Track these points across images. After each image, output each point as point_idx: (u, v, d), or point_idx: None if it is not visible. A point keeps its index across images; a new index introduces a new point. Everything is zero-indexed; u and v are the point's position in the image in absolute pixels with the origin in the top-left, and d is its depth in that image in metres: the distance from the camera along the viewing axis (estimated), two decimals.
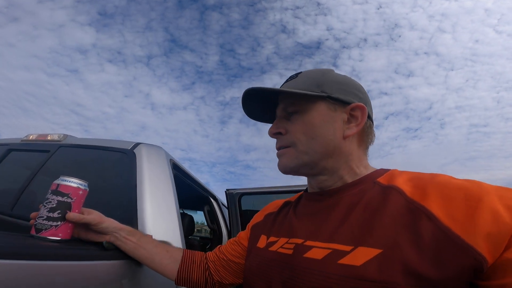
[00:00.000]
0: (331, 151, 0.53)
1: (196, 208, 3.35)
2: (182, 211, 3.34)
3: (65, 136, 1.43)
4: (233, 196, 2.04)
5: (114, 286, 0.74)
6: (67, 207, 0.65)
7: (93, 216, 0.69)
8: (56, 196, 0.65)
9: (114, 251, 0.74)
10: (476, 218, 0.36)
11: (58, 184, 0.66)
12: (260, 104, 0.61)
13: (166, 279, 0.72)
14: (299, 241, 0.51)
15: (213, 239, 2.33)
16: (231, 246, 0.72)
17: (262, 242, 0.61)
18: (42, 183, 1.29)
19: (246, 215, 2.17)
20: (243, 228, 2.05)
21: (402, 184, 0.46)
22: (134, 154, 1.20)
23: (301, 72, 0.57)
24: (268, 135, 0.59)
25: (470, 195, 0.38)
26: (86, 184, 0.70)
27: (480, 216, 0.36)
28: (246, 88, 0.54)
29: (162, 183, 1.18)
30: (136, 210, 0.98)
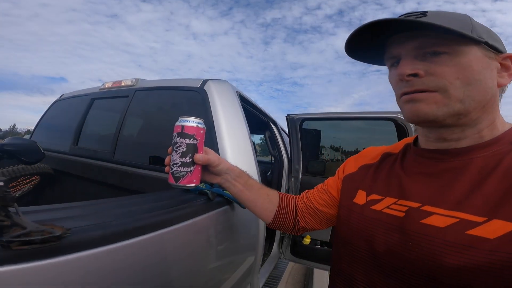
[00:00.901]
0: (489, 99, 0.47)
1: (255, 132, 3.49)
2: None
3: (137, 80, 1.49)
4: (294, 122, 2.02)
5: (218, 231, 0.86)
6: (195, 149, 0.64)
7: (213, 156, 0.68)
8: (184, 139, 0.63)
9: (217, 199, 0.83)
10: None
11: (182, 126, 0.63)
12: (368, 41, 0.52)
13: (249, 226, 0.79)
14: (414, 204, 0.47)
15: (274, 165, 2.41)
16: (319, 195, 0.71)
17: (360, 198, 0.58)
18: (131, 127, 1.43)
19: (307, 141, 2.18)
20: (304, 154, 2.12)
21: None
22: (205, 92, 1.21)
23: (426, 11, 0.47)
24: (393, 77, 0.51)
25: None
26: (203, 122, 0.67)
27: None
28: (371, 20, 0.46)
29: (236, 119, 1.21)
30: (217, 148, 1.05)
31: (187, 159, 0.63)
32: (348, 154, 2.53)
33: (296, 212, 0.73)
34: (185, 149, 0.63)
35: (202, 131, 0.65)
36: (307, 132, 2.16)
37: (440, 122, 0.48)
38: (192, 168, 0.64)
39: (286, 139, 2.46)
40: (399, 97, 0.51)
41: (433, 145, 0.52)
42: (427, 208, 0.45)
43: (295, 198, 0.76)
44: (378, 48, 0.53)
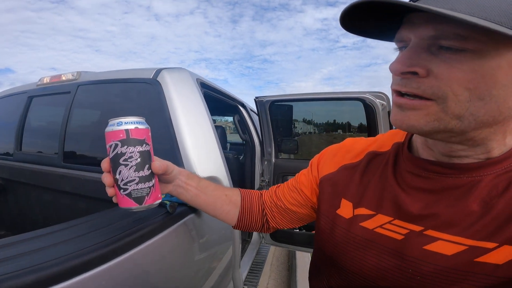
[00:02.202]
0: (500, 121, 0.36)
1: (224, 115, 3.37)
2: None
3: (79, 73, 1.31)
4: (263, 104, 1.95)
5: (185, 243, 0.79)
6: (150, 156, 0.52)
7: (165, 161, 0.57)
8: (134, 146, 0.49)
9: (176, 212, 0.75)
10: None
11: (127, 131, 0.49)
12: (373, 15, 0.38)
13: (219, 223, 0.72)
14: (416, 228, 0.41)
15: (246, 149, 2.36)
16: (289, 193, 0.64)
17: (346, 210, 0.51)
18: (77, 128, 1.27)
19: (280, 117, 2.13)
20: (277, 130, 2.09)
21: None
22: (159, 83, 1.09)
23: None
24: (390, 69, 0.39)
25: None
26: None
27: None
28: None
29: (197, 111, 1.11)
30: (177, 147, 0.95)
31: (146, 172, 0.50)
32: (320, 126, 2.56)
33: (263, 210, 0.67)
34: (139, 159, 0.49)
35: (150, 132, 0.53)
36: (279, 107, 2.10)
37: (426, 136, 0.40)
38: (153, 181, 0.52)
39: (257, 119, 2.40)
40: (393, 92, 0.41)
41: (434, 155, 0.44)
42: (431, 232, 0.40)
43: (261, 195, 0.69)
44: (394, 19, 0.39)
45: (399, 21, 0.39)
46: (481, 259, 0.36)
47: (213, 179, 1.04)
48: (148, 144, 0.52)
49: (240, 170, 2.35)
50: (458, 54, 0.33)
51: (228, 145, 3.65)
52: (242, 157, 2.53)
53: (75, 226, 0.62)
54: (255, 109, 2.08)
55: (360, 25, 0.41)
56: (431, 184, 0.42)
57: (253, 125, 2.32)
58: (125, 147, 0.48)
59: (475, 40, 0.32)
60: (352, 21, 0.39)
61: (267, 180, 2.14)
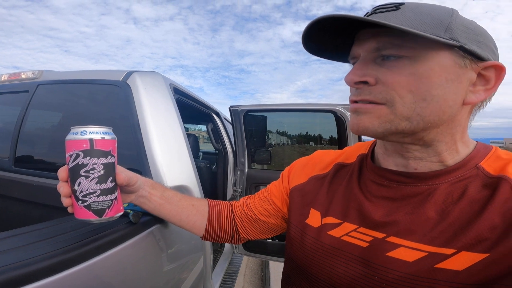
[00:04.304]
0: (444, 120, 0.40)
1: (198, 123, 3.31)
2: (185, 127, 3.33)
3: (41, 72, 1.22)
4: (238, 114, 1.95)
5: (151, 254, 0.74)
6: (114, 168, 0.50)
7: (129, 171, 0.55)
8: (98, 158, 0.47)
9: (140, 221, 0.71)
10: None
11: (91, 140, 0.46)
12: (328, 36, 0.44)
13: (189, 234, 0.69)
14: (379, 235, 0.43)
15: (219, 158, 2.32)
16: (260, 204, 0.64)
17: (314, 219, 0.52)
18: (33, 130, 1.17)
19: (254, 128, 2.13)
20: (251, 140, 2.09)
21: None
22: (129, 86, 1.04)
23: (403, 3, 0.40)
24: (345, 81, 0.43)
25: None
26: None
27: None
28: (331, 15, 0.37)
29: (168, 118, 1.07)
30: (145, 154, 0.91)
31: (109, 184, 0.48)
32: (293, 138, 2.60)
33: (233, 221, 0.66)
34: (102, 172, 0.47)
35: (116, 144, 0.51)
36: (254, 118, 2.12)
37: (381, 138, 0.43)
38: (116, 193, 0.50)
39: (231, 129, 2.39)
40: (350, 104, 0.45)
41: (392, 163, 0.47)
42: (393, 239, 0.41)
43: (231, 205, 0.68)
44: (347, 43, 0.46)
45: (352, 43, 0.45)
46: (441, 265, 0.37)
47: (182, 188, 1.00)
48: (113, 156, 0.49)
49: (212, 180, 2.31)
50: (398, 61, 0.39)
51: (201, 154, 3.59)
52: (214, 166, 2.49)
53: (21, 235, 0.56)
54: (229, 118, 2.06)
55: (320, 48, 0.47)
56: (392, 193, 0.45)
57: (226, 134, 2.30)
58: (88, 158, 0.46)
59: (408, 47, 0.38)
60: (313, 43, 0.46)
61: (239, 190, 2.11)
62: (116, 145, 0.51)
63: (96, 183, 0.47)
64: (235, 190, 2.17)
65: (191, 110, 1.93)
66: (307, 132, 2.60)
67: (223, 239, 0.66)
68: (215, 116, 2.23)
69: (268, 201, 0.64)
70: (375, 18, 0.39)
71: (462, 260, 0.36)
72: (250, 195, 0.70)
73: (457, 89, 0.39)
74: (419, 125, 0.40)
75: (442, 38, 0.36)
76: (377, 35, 0.40)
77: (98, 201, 0.47)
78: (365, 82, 0.41)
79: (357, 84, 0.42)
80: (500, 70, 0.39)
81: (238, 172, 2.13)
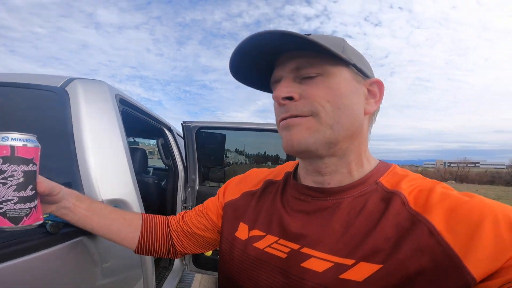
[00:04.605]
0: (357, 128, 0.46)
1: (148, 138, 3.19)
2: (133, 140, 3.16)
3: None
4: (190, 130, 1.92)
5: (71, 270, 0.68)
6: (35, 177, 0.49)
7: (51, 181, 0.54)
8: (18, 165, 0.46)
9: (61, 232, 0.66)
10: (476, 238, 0.35)
11: (12, 147, 0.46)
12: (252, 62, 0.49)
13: (125, 248, 0.67)
14: (295, 246, 0.46)
15: (169, 175, 2.25)
16: (196, 218, 0.66)
17: (242, 232, 0.55)
18: None
19: (212, 146, 2.12)
20: (200, 162, 2.06)
21: (405, 190, 0.43)
22: (67, 93, 0.98)
23: (309, 34, 0.46)
24: (273, 99, 0.48)
25: (473, 213, 0.37)
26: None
27: (481, 237, 0.35)
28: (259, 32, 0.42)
29: (109, 130, 1.02)
30: (77, 166, 0.85)
31: (28, 192, 0.48)
32: (251, 157, 2.63)
33: (169, 235, 0.67)
34: (22, 179, 0.47)
35: (39, 152, 0.51)
36: (212, 136, 2.12)
37: (313, 152, 0.45)
38: (36, 202, 0.50)
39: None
40: (278, 124, 0.49)
41: (311, 181, 0.51)
42: (306, 250, 0.44)
43: (167, 219, 0.69)
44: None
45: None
46: (344, 275, 0.40)
47: (119, 202, 0.95)
48: (35, 164, 0.49)
49: (161, 196, 2.22)
50: (315, 78, 0.45)
51: (151, 169, 3.43)
52: (164, 182, 2.40)
53: None
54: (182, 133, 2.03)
55: (246, 77, 0.53)
56: (307, 206, 0.49)
57: (178, 150, 2.25)
58: (7, 165, 0.46)
59: (320, 65, 0.44)
60: (241, 73, 0.51)
61: (189, 207, 2.06)
62: (39, 153, 0.51)
63: (14, 190, 0.46)
64: (185, 207, 2.11)
65: (141, 123, 1.86)
66: (265, 152, 2.66)
67: (159, 253, 0.67)
68: (166, 131, 2.17)
69: (204, 216, 0.65)
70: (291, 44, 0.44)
71: (361, 271, 0.39)
72: (187, 210, 0.72)
73: (358, 100, 0.46)
74: (340, 133, 0.45)
75: (345, 56, 0.43)
76: (295, 57, 0.46)
77: (15, 209, 0.46)
78: (291, 98, 0.45)
79: (284, 100, 0.46)
80: (381, 85, 0.48)
81: (189, 189, 2.09)
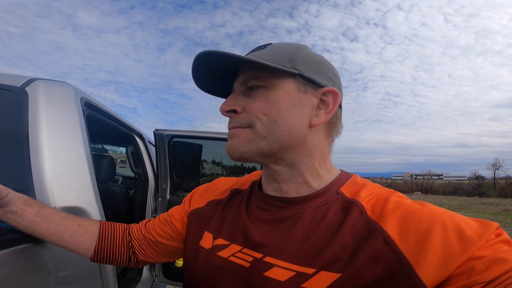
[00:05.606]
0: (294, 140, 0.46)
1: (118, 145, 3.08)
2: (101, 147, 3.03)
3: None
4: (163, 138, 1.88)
5: (13, 279, 0.63)
6: None
7: (1, 186, 0.53)
8: None
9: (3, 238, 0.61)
10: (426, 245, 0.35)
11: None
12: (216, 74, 0.50)
13: (80, 257, 0.63)
14: (258, 255, 0.46)
15: (138, 184, 2.15)
16: (160, 226, 0.64)
17: (206, 241, 0.54)
18: None
19: (188, 156, 2.07)
20: (172, 170, 2.00)
21: (364, 199, 0.44)
22: (26, 94, 0.93)
23: (271, 43, 0.48)
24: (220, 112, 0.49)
25: (423, 220, 0.38)
26: None
27: (431, 244, 0.35)
28: (200, 51, 0.43)
29: (69, 132, 0.97)
30: (30, 172, 0.80)
31: None
32: (228, 169, 2.61)
33: (130, 243, 0.65)
34: None
35: None
36: (188, 146, 2.08)
37: (249, 159, 0.47)
38: None
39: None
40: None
41: (271, 188, 0.51)
42: (269, 259, 0.44)
43: (128, 227, 0.66)
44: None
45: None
46: (305, 284, 0.39)
47: (76, 210, 0.90)
48: None
49: (129, 205, 2.12)
50: (257, 91, 0.46)
51: (121, 178, 3.29)
52: (132, 191, 2.30)
53: None
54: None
55: (209, 86, 0.54)
56: (271, 216, 0.49)
57: (149, 159, 2.18)
58: None
59: (264, 77, 0.45)
60: (204, 81, 0.52)
61: None
62: None
63: None
64: (154, 217, 2.02)
65: (109, 129, 1.79)
66: (242, 164, 2.65)
67: (119, 261, 0.64)
68: (137, 139, 2.10)
69: (168, 224, 0.64)
70: (250, 56, 0.45)
71: (322, 280, 0.39)
72: (150, 218, 0.69)
73: (301, 112, 0.45)
74: (274, 145, 0.45)
75: (284, 67, 0.43)
76: (245, 70, 0.47)
77: None
78: (234, 111, 0.48)
79: (228, 112, 0.48)
80: (335, 95, 0.47)
81: (160, 199, 2.02)
